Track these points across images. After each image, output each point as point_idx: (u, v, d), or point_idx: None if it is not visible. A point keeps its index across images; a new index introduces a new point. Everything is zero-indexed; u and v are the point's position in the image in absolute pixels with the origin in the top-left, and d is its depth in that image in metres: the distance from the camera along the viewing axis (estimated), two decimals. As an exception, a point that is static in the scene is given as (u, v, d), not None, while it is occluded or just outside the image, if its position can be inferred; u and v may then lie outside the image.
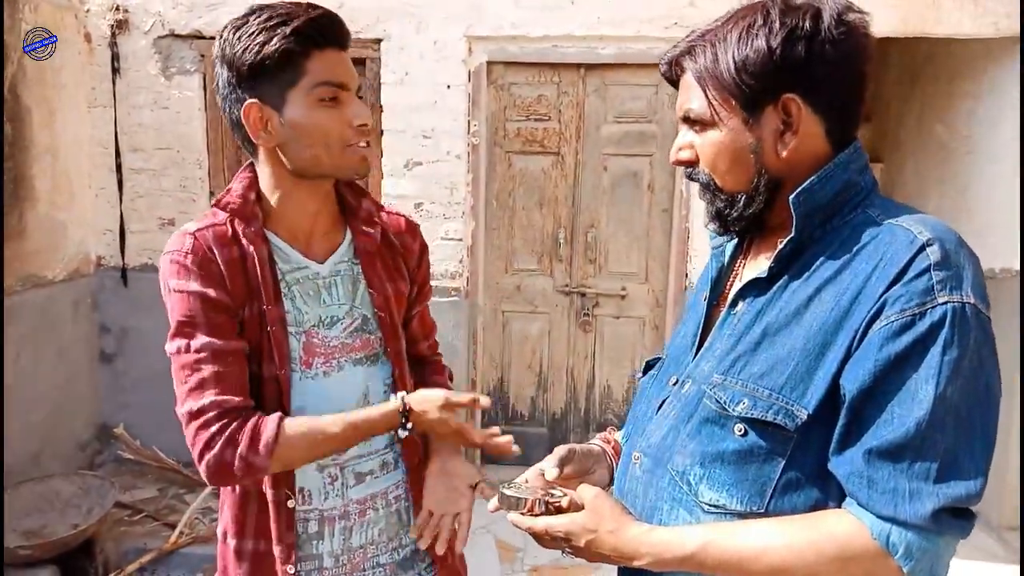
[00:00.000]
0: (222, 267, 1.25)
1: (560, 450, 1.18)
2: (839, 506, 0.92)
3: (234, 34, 1.23)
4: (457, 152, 3.78)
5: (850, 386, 0.88)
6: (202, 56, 3.87)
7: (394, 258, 1.45)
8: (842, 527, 0.89)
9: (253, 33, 1.21)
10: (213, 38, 3.77)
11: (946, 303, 0.85)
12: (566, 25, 3.66)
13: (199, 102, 3.91)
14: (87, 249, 3.99)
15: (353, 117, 1.26)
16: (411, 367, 1.54)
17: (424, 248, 1.53)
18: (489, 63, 3.78)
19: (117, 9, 3.85)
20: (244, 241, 1.28)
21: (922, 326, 0.85)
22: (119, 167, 3.97)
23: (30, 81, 3.52)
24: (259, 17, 1.22)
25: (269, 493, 1.31)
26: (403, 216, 1.52)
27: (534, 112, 3.89)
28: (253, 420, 1.22)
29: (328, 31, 1.25)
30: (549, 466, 1.14)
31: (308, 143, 1.25)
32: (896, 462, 0.86)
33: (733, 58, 0.96)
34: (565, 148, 3.92)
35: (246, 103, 1.24)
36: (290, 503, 1.31)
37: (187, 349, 1.23)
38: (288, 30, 1.20)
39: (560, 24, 3.66)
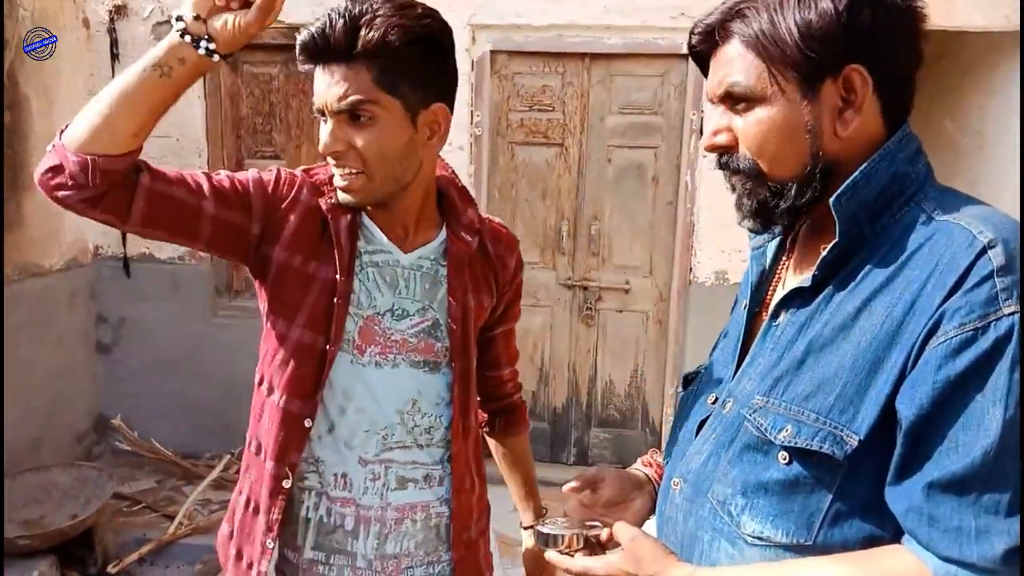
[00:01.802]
0: (297, 205, 1.25)
1: (589, 471, 1.13)
2: (895, 539, 0.83)
3: None
4: (460, 143, 3.74)
5: (907, 411, 0.79)
6: (202, 43, 3.82)
7: (484, 270, 1.38)
8: (901, 568, 0.80)
9: None
10: (213, 25, 3.75)
11: (1012, 314, 0.75)
12: (571, 14, 3.62)
13: (199, 90, 3.86)
14: (85, 238, 3.96)
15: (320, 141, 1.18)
16: (492, 400, 1.54)
17: (520, 265, 1.45)
18: (493, 52, 3.74)
19: (116, -5, 3.81)
20: (324, 208, 1.26)
21: (985, 342, 0.76)
22: (119, 155, 3.93)
23: (28, 68, 3.48)
24: None
25: (269, 465, 1.28)
26: (505, 229, 1.45)
27: (538, 103, 3.85)
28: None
29: (310, 47, 1.15)
30: (574, 483, 1.10)
31: None
32: (961, 496, 0.76)
33: (795, 21, 0.84)
34: (569, 139, 3.87)
35: None
36: (286, 483, 1.27)
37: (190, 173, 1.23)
38: (296, 49, 1.17)
39: (565, 13, 3.62)
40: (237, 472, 3.76)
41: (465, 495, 1.37)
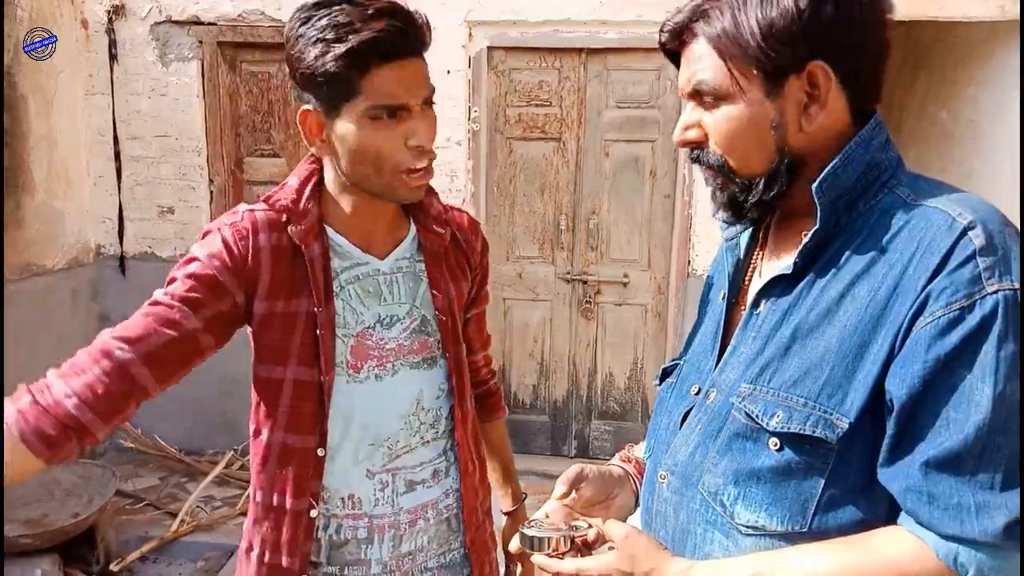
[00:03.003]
0: (261, 252, 1.20)
1: (570, 472, 1.09)
2: (889, 519, 0.84)
3: (298, 28, 1.14)
4: (457, 139, 3.76)
5: (898, 391, 0.79)
6: (200, 42, 3.84)
7: (457, 257, 1.38)
8: (902, 549, 0.80)
9: (312, 40, 1.11)
10: (211, 24, 3.78)
11: (996, 292, 0.77)
12: (567, 10, 3.62)
13: (197, 89, 3.88)
14: (86, 238, 3.98)
15: (409, 136, 1.15)
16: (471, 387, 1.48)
17: (486, 247, 1.45)
18: (490, 48, 3.75)
19: (114, -5, 3.82)
20: (296, 239, 1.22)
21: (972, 320, 0.77)
22: (117, 155, 3.95)
23: (26, 68, 3.49)
24: (322, 20, 1.11)
25: (290, 502, 1.26)
26: (465, 213, 1.45)
27: (535, 98, 3.86)
28: (56, 381, 1.12)
29: (392, 44, 1.11)
30: (560, 489, 1.08)
31: (359, 161, 1.17)
32: (957, 473, 0.77)
33: (757, 21, 0.85)
34: (566, 134, 3.89)
35: (302, 108, 1.18)
36: (312, 512, 1.26)
37: (152, 301, 1.18)
38: (342, 49, 1.09)
39: (561, 9, 3.63)
40: (240, 468, 3.80)
41: (469, 479, 1.38)
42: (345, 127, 1.15)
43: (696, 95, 0.92)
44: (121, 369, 1.11)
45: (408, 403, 1.30)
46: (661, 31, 0.95)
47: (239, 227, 1.21)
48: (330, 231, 1.26)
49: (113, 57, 3.87)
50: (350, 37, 1.09)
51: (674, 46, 0.95)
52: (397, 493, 1.30)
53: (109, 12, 3.83)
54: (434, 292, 1.32)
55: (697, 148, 0.95)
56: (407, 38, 1.13)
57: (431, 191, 1.36)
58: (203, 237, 1.23)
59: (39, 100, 3.58)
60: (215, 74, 3.87)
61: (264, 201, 1.25)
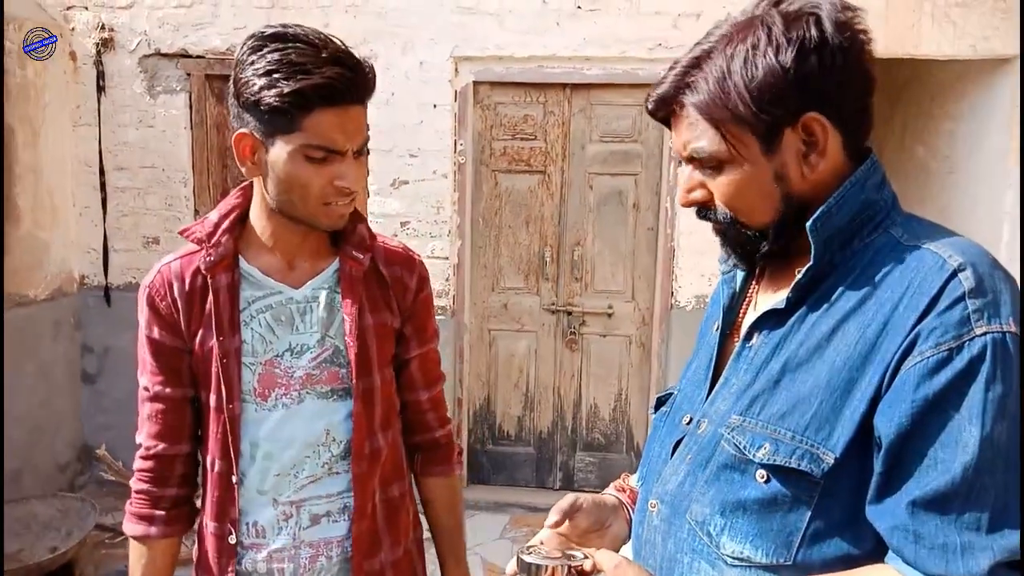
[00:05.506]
0: (178, 302, 1.27)
1: (564, 501, 1.08)
2: (873, 556, 0.83)
3: (248, 55, 1.15)
4: (443, 171, 3.79)
5: (886, 430, 0.80)
6: (188, 75, 3.87)
7: (381, 290, 1.35)
8: None
9: (259, 72, 1.13)
10: (199, 57, 3.82)
11: (985, 334, 0.78)
12: (552, 46, 3.69)
13: (184, 120, 3.90)
14: (70, 268, 3.96)
15: (337, 177, 1.18)
16: (412, 432, 1.46)
17: (423, 283, 1.40)
18: (475, 83, 3.80)
19: (103, 28, 3.85)
20: (203, 269, 1.27)
21: (960, 361, 0.77)
22: (103, 185, 3.95)
23: (13, 99, 3.50)
24: (274, 54, 1.13)
25: (211, 526, 1.30)
26: (401, 249, 1.42)
27: (520, 131, 3.91)
28: (137, 497, 1.34)
29: (339, 91, 1.13)
30: (553, 518, 1.07)
31: (284, 190, 1.20)
32: (944, 513, 0.77)
33: (744, 85, 0.86)
34: (551, 167, 3.93)
35: (238, 131, 1.20)
36: (231, 539, 1.29)
37: (140, 384, 1.33)
38: (289, 88, 1.10)
39: (546, 45, 3.69)
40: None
41: (367, 521, 1.33)
42: (277, 155, 1.17)
43: (694, 160, 0.94)
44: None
45: (316, 433, 1.29)
46: (647, 100, 0.96)
47: (156, 287, 1.29)
48: (244, 263, 1.29)
49: (101, 89, 3.89)
50: (300, 78, 1.11)
51: (663, 114, 0.96)
52: (300, 527, 1.30)
53: (98, 45, 3.86)
54: (344, 315, 1.30)
55: (704, 208, 0.96)
56: (354, 86, 1.16)
57: (360, 217, 1.36)
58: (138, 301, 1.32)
59: (26, 131, 3.59)
60: (203, 106, 3.90)
61: (181, 233, 1.31)
